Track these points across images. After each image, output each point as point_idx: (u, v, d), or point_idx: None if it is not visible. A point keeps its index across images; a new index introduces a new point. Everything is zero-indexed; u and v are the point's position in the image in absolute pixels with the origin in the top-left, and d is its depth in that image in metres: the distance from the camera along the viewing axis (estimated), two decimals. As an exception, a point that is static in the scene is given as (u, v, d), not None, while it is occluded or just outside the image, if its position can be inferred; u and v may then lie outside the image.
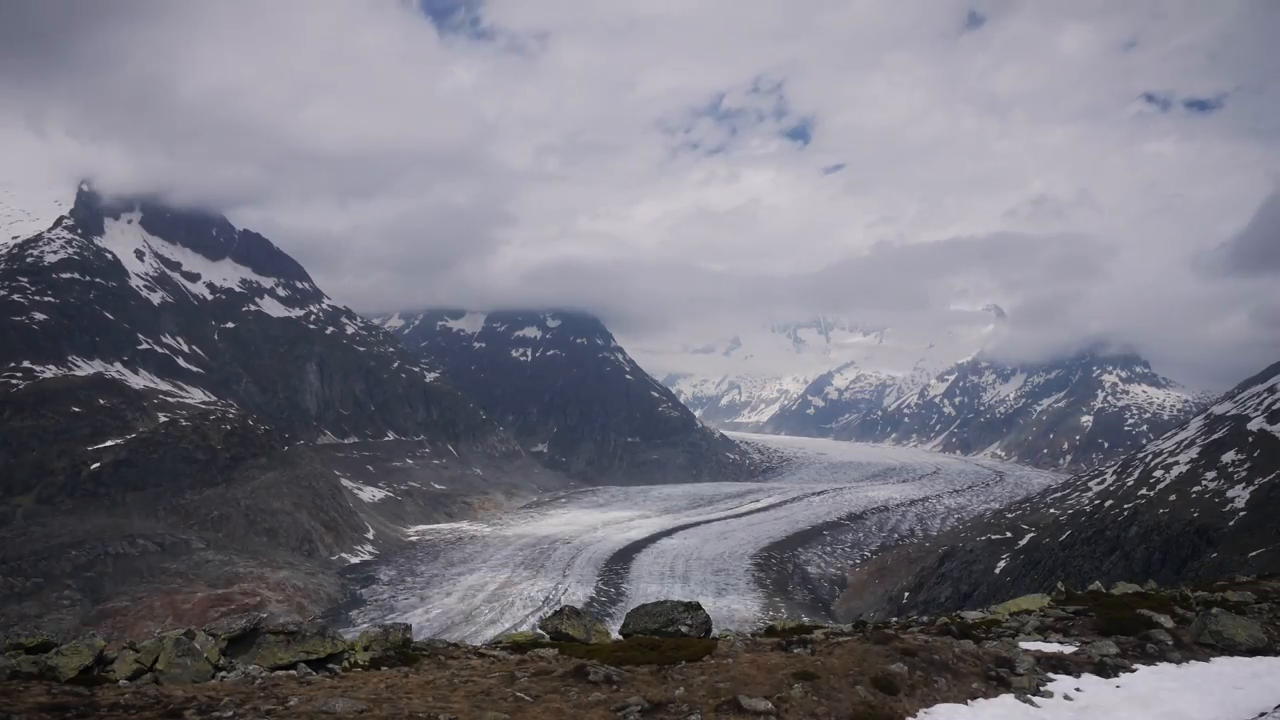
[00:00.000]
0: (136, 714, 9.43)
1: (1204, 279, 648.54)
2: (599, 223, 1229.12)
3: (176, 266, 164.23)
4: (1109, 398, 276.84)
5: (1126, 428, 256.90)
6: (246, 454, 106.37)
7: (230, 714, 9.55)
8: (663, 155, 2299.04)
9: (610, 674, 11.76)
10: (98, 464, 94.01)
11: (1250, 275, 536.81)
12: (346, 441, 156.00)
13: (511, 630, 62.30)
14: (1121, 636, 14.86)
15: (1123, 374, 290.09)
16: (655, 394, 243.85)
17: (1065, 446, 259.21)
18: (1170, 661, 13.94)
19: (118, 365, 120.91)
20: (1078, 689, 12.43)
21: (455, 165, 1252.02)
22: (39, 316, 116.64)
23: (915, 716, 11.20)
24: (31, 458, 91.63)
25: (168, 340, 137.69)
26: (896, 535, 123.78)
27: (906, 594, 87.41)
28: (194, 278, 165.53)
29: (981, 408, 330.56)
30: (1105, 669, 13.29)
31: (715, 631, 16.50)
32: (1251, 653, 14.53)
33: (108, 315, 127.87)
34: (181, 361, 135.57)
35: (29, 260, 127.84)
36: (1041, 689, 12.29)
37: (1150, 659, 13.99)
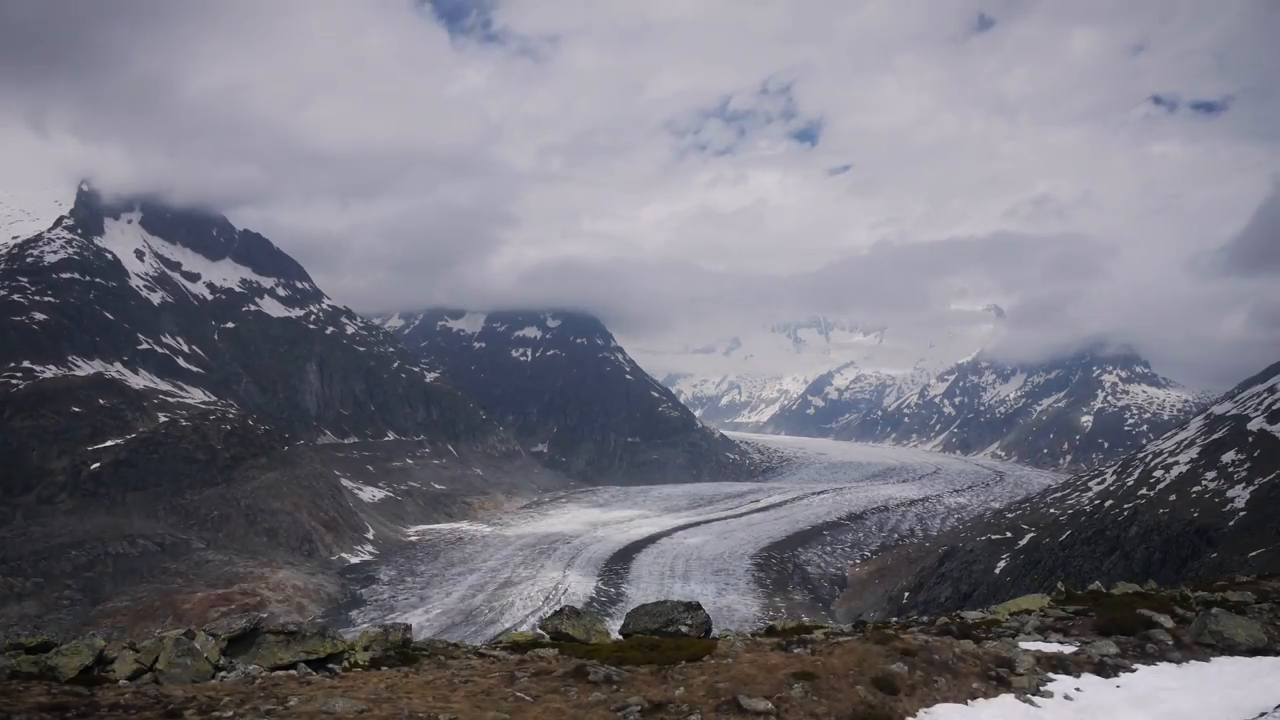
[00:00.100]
0: (136, 714, 9.43)
1: (1204, 279, 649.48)
2: (601, 223, 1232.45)
3: (176, 266, 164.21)
4: (1109, 398, 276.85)
5: (1126, 428, 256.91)
6: (246, 454, 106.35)
7: (230, 714, 9.55)
8: (670, 156, 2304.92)
9: (610, 674, 11.76)
10: (98, 464, 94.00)
11: (1249, 275, 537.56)
12: (346, 441, 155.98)
13: (511, 630, 62.29)
14: (1121, 636, 14.86)
15: (1123, 374, 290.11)
16: (655, 394, 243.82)
17: (1065, 446, 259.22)
18: (1170, 661, 13.93)
19: (118, 365, 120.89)
20: (1078, 689, 12.43)
21: (459, 166, 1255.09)
22: (39, 316, 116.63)
23: (915, 716, 11.20)
24: (31, 458, 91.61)
25: (168, 340, 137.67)
26: (896, 535, 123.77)
27: (906, 594, 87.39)
28: (194, 278, 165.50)
29: (981, 408, 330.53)
30: (1105, 669, 13.29)
31: (715, 631, 16.50)
32: (1251, 653, 14.53)
33: (108, 315, 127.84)
34: (181, 361, 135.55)
35: (29, 260, 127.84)
36: (1041, 689, 12.29)
37: (1150, 659, 13.98)
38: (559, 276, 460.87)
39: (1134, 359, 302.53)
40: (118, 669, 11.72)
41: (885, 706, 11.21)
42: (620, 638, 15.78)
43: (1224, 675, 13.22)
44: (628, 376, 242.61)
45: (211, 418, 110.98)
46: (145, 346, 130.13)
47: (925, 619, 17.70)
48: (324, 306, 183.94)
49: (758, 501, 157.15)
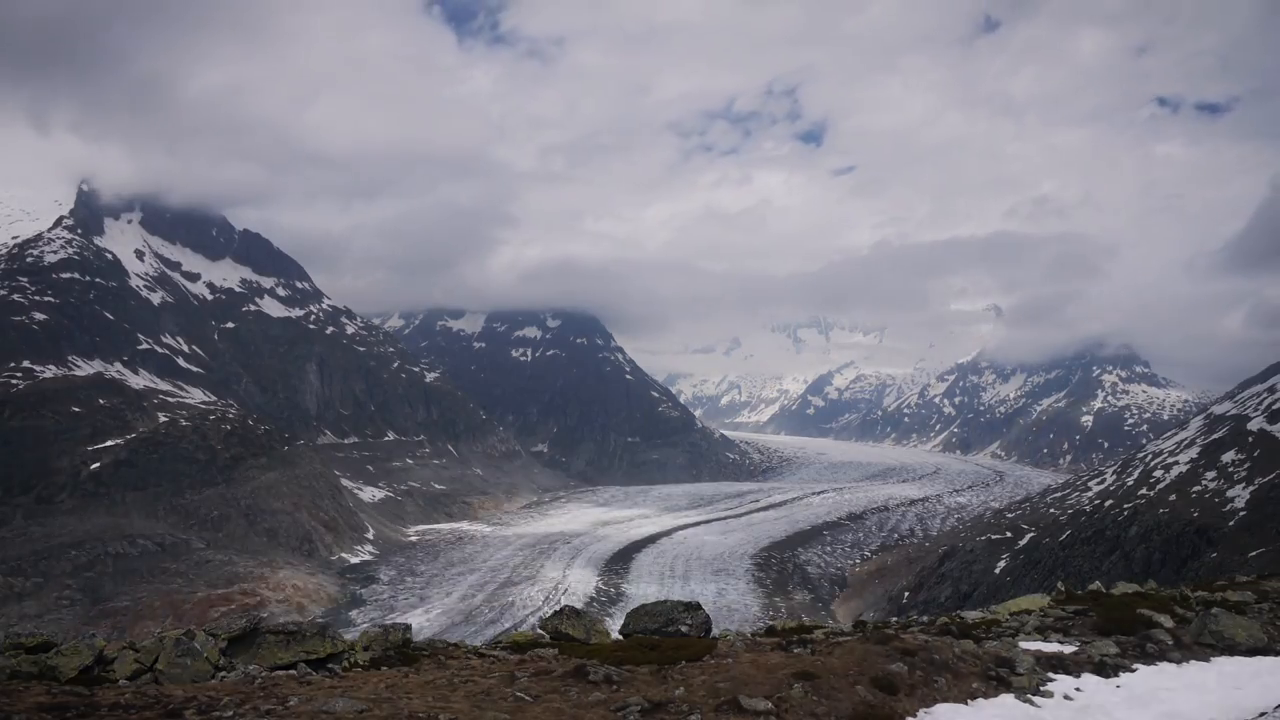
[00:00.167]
0: (136, 714, 9.43)
1: (1204, 279, 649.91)
2: (603, 223, 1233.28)
3: (176, 266, 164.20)
4: (1109, 398, 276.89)
5: (1126, 428, 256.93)
6: (246, 454, 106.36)
7: (230, 714, 9.55)
8: (676, 157, 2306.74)
9: (610, 674, 11.76)
10: (98, 464, 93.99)
11: (1249, 275, 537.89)
12: (346, 441, 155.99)
13: (511, 630, 62.27)
14: (1121, 636, 14.86)
15: (1122, 374, 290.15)
16: (655, 394, 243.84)
17: (1065, 446, 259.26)
18: (1170, 661, 13.94)
19: (118, 365, 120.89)
20: (1078, 689, 12.43)
21: (461, 166, 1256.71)
22: (39, 316, 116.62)
23: (915, 716, 11.20)
24: (31, 458, 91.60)
25: (168, 340, 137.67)
26: (896, 535, 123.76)
27: (906, 594, 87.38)
28: (194, 278, 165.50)
29: (981, 407, 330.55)
30: (1105, 669, 13.29)
31: (715, 631, 16.50)
32: (1251, 653, 14.53)
33: (108, 315, 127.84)
34: (181, 361, 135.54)
35: (29, 260, 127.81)
36: (1041, 689, 12.29)
37: (1150, 659, 13.99)
38: (559, 276, 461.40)
39: (1134, 359, 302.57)
40: (118, 669, 11.72)
41: (885, 706, 11.21)
42: (620, 638, 15.78)
43: (1224, 675, 13.22)
44: (628, 376, 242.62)
45: (211, 418, 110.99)
46: (145, 346, 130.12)
47: (925, 619, 17.71)
48: (324, 306, 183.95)
49: (758, 501, 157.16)
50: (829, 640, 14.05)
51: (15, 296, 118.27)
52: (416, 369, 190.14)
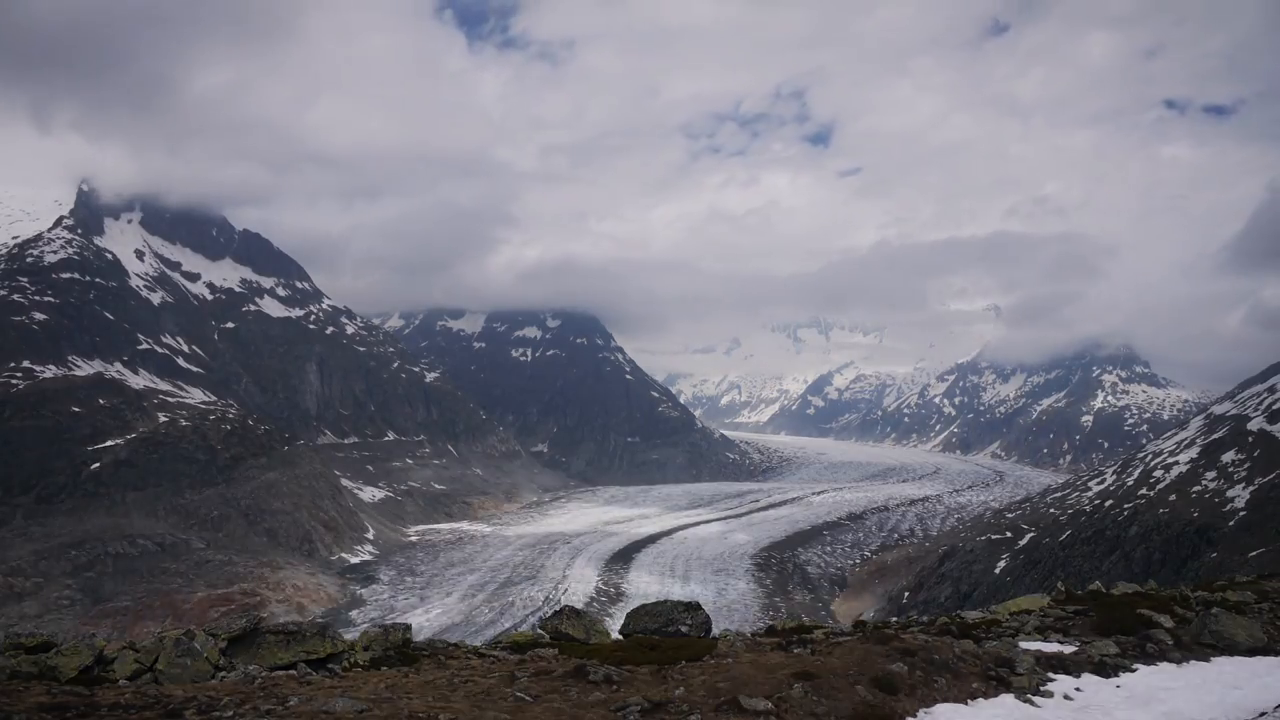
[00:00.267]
0: (136, 714, 9.43)
1: (1205, 279, 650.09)
2: (607, 224, 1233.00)
3: (176, 266, 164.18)
4: (1109, 398, 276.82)
5: (1126, 428, 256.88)
6: (246, 454, 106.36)
7: (230, 714, 9.55)
8: (684, 159, 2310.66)
9: (610, 674, 11.76)
10: (98, 464, 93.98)
11: (1249, 275, 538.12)
12: (346, 441, 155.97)
13: (511, 630, 62.27)
14: (1121, 636, 14.86)
15: (1122, 374, 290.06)
16: (655, 394, 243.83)
17: (1065, 446, 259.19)
18: (1170, 661, 13.94)
19: (118, 365, 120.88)
20: (1078, 689, 12.43)
21: (463, 167, 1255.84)
22: (39, 316, 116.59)
23: (915, 716, 11.20)
24: (31, 458, 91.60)
25: (168, 340, 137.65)
26: (896, 535, 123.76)
27: (906, 594, 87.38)
28: (194, 278, 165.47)
29: (981, 407, 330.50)
30: (1105, 669, 13.29)
31: (715, 631, 16.50)
32: (1251, 653, 14.53)
33: (108, 315, 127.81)
34: (181, 361, 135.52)
35: (29, 260, 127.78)
36: (1041, 689, 12.29)
37: (1150, 659, 13.99)
38: (559, 276, 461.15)
39: (1134, 359, 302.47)
40: (118, 669, 11.72)
41: (885, 706, 11.21)
42: (620, 638, 15.78)
43: (1224, 675, 13.23)
44: (628, 376, 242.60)
45: (211, 418, 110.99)
46: (145, 346, 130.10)
47: (925, 619, 17.71)
48: (324, 306, 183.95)
49: (758, 501, 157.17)
50: (829, 640, 14.05)
51: (15, 296, 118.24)
52: (416, 369, 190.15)
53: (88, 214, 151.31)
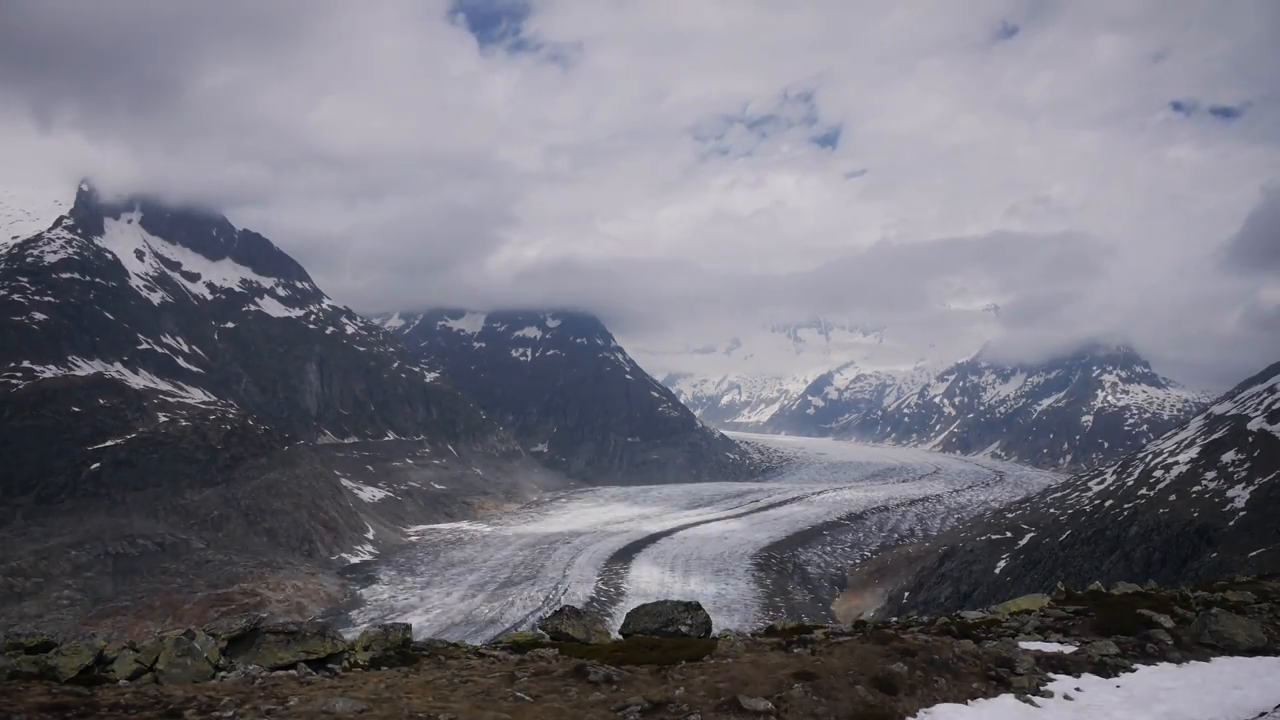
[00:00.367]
0: (136, 714, 9.43)
1: (1205, 279, 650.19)
2: (611, 224, 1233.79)
3: (176, 266, 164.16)
4: (1109, 398, 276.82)
5: (1126, 428, 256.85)
6: (246, 454, 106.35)
7: (230, 714, 9.55)
8: (692, 160, 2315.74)
9: (610, 674, 11.76)
10: (98, 464, 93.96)
11: (1248, 275, 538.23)
12: (346, 441, 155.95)
13: (511, 630, 62.31)
14: (1121, 636, 14.86)
15: (1122, 374, 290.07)
16: (655, 394, 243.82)
17: (1065, 446, 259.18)
18: (1170, 661, 13.94)
19: (118, 365, 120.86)
20: (1078, 689, 12.43)
21: (466, 168, 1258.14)
22: (39, 316, 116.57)
23: (915, 716, 11.20)
24: (31, 458, 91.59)
25: (168, 340, 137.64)
26: (896, 535, 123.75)
27: (906, 594, 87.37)
28: (194, 278, 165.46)
29: (981, 407, 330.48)
30: (1105, 669, 13.29)
31: (715, 631, 16.50)
32: (1251, 653, 14.54)
33: (108, 315, 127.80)
34: (181, 361, 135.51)
35: (29, 260, 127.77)
36: (1041, 689, 12.29)
37: (1150, 659, 13.99)
38: (559, 276, 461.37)
39: (1134, 359, 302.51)
40: (118, 669, 11.72)
41: (885, 706, 11.21)
42: (620, 638, 15.78)
43: (1224, 675, 13.23)
44: (628, 376, 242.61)
45: (211, 418, 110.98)
46: (145, 346, 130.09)
47: (925, 619, 17.71)
48: (324, 306, 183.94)
49: (758, 501, 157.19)
50: (829, 640, 14.05)
51: (15, 296, 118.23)
52: (416, 369, 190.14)
53: (88, 214, 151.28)
